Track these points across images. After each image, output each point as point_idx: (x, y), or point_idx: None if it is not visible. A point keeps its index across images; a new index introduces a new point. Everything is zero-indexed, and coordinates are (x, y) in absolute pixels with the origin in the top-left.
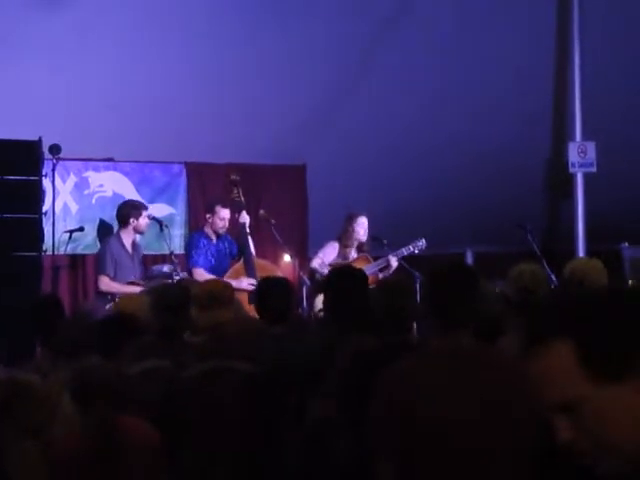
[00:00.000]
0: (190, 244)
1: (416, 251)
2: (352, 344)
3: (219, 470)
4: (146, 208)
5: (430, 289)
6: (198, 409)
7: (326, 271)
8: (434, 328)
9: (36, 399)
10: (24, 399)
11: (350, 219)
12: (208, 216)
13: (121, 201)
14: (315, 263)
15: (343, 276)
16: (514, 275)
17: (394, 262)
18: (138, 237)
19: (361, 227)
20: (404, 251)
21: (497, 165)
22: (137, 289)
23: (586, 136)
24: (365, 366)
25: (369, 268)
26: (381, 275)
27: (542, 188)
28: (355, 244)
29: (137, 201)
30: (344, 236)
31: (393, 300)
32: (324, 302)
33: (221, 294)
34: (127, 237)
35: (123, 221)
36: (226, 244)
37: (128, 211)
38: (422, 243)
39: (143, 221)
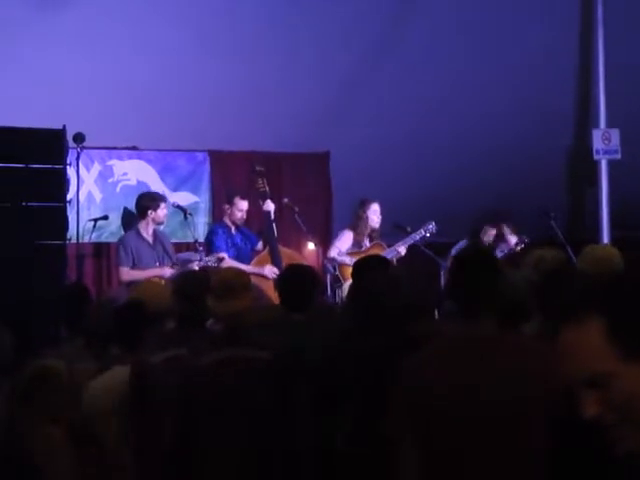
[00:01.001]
0: (211, 234)
1: (427, 234)
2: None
3: (233, 458)
4: (165, 200)
5: (452, 274)
6: (213, 397)
7: (347, 259)
8: (457, 313)
9: (62, 385)
10: (51, 385)
11: (363, 206)
12: (227, 207)
13: (140, 193)
14: (333, 253)
15: (367, 265)
16: (534, 260)
17: (402, 250)
18: (161, 226)
19: (374, 214)
20: (416, 236)
21: (520, 153)
22: (160, 272)
23: (610, 123)
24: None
25: (384, 255)
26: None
27: (566, 176)
28: (368, 231)
29: (155, 193)
30: (357, 223)
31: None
32: (349, 290)
33: (235, 283)
34: (146, 229)
35: (141, 213)
36: (244, 236)
37: (146, 203)
38: (432, 226)
39: (162, 212)
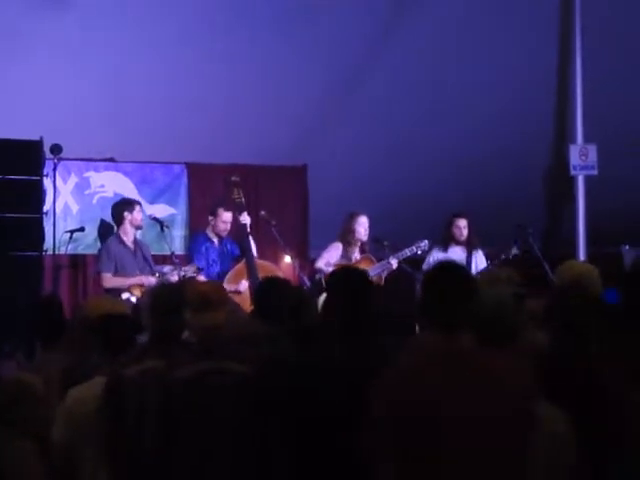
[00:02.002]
0: (192, 248)
1: (419, 252)
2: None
3: (211, 471)
4: (139, 203)
5: (424, 289)
6: (190, 409)
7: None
8: (430, 328)
9: (37, 400)
10: (27, 400)
11: (351, 218)
12: (210, 219)
13: (114, 202)
14: (320, 263)
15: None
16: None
17: (394, 263)
18: (138, 234)
19: (362, 226)
20: (407, 252)
21: (499, 168)
22: (143, 279)
23: (587, 139)
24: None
25: (373, 269)
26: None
27: (543, 191)
28: (357, 244)
29: (128, 198)
30: (345, 236)
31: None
32: (323, 302)
33: (213, 296)
34: (126, 234)
35: (118, 219)
36: (228, 246)
37: (121, 207)
38: (424, 244)
39: (138, 215)
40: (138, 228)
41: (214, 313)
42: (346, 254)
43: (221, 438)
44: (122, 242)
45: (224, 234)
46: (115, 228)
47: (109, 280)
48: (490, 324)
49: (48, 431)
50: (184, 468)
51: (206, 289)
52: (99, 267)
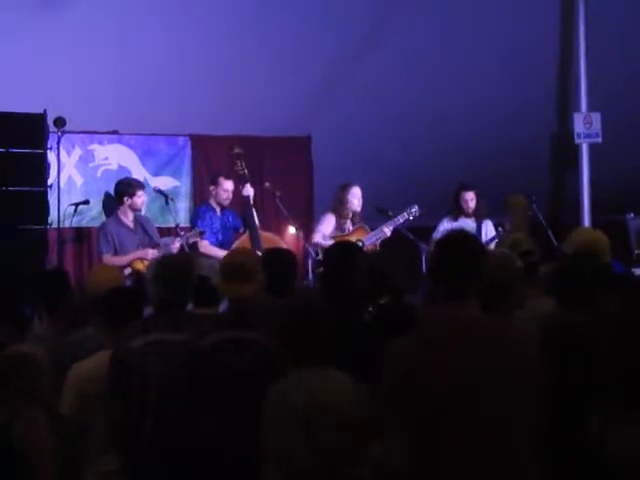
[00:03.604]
0: (196, 216)
1: (410, 217)
2: None
3: (233, 438)
4: (142, 187)
5: (435, 258)
6: (214, 378)
7: (329, 243)
8: (440, 296)
9: (40, 370)
10: (31, 371)
11: (343, 189)
12: (212, 188)
13: (118, 179)
14: (317, 237)
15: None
16: (510, 242)
17: (388, 231)
18: (144, 209)
19: (355, 197)
20: (400, 219)
21: (503, 137)
22: (142, 254)
23: (591, 107)
24: None
25: (368, 238)
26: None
27: (548, 159)
28: (350, 215)
29: (133, 179)
30: (338, 207)
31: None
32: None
33: (245, 267)
34: (125, 215)
35: (119, 199)
36: (230, 218)
37: (122, 189)
38: (415, 209)
39: (138, 199)
40: (137, 211)
41: (244, 283)
42: (339, 225)
43: (245, 401)
44: (120, 222)
45: (226, 203)
46: (117, 205)
47: (109, 260)
48: (496, 290)
49: (53, 401)
50: (211, 431)
51: (240, 259)
52: (99, 248)
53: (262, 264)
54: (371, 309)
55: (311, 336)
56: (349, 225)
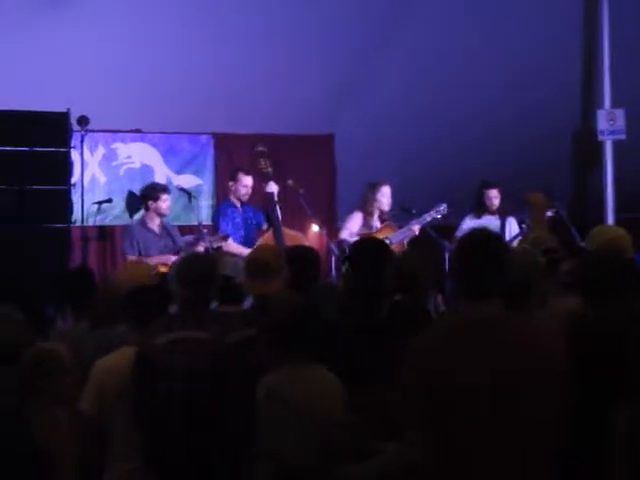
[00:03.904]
0: (218, 213)
1: (438, 216)
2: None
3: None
4: (167, 191)
5: (460, 257)
6: (239, 375)
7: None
8: (463, 295)
9: (64, 368)
10: (53, 368)
11: (373, 188)
12: (231, 184)
13: (144, 184)
14: (344, 234)
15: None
16: (532, 239)
17: (416, 229)
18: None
19: (384, 196)
20: (427, 217)
21: (526, 133)
22: (163, 259)
23: (615, 103)
24: None
25: (395, 237)
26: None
27: (571, 157)
28: (378, 213)
29: (157, 184)
30: (367, 205)
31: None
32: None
33: (270, 265)
34: (151, 219)
35: (144, 205)
36: (251, 214)
37: (146, 194)
38: (443, 208)
39: (163, 204)
40: (162, 216)
41: (269, 281)
42: (367, 223)
43: None
44: (146, 227)
45: (245, 198)
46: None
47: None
48: (517, 288)
49: (77, 399)
50: (236, 430)
51: (264, 257)
52: (123, 251)
53: (286, 261)
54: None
55: (304, 335)
56: (377, 223)
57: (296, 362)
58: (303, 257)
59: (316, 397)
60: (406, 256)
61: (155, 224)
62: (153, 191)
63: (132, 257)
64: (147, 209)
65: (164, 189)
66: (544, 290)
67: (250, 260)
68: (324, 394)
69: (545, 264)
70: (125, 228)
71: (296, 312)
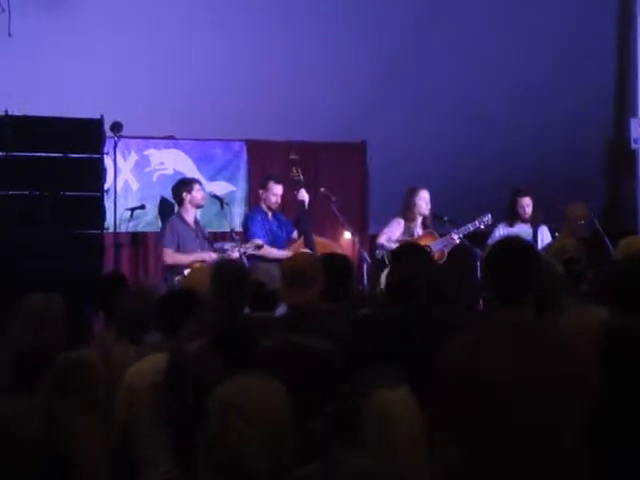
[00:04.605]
0: (247, 220)
1: (482, 226)
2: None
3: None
4: (198, 181)
5: (491, 265)
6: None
7: (393, 246)
8: (495, 302)
9: (96, 375)
10: (85, 375)
11: (411, 193)
12: (261, 192)
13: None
14: (382, 239)
15: (404, 252)
16: (556, 248)
17: (457, 238)
18: (199, 213)
19: (423, 200)
20: (470, 227)
21: (559, 142)
22: (204, 256)
23: None
24: None
25: (435, 244)
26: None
27: (605, 165)
28: (419, 219)
29: (186, 177)
30: (406, 211)
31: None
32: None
33: (305, 272)
34: (187, 214)
35: (178, 199)
36: (280, 222)
37: (179, 188)
38: (488, 218)
39: (197, 194)
40: (199, 207)
41: (304, 289)
42: (408, 230)
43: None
44: (184, 221)
45: (275, 207)
46: (176, 207)
47: (171, 256)
48: (539, 296)
49: (109, 404)
50: None
51: (300, 265)
52: (162, 242)
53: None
54: None
55: (248, 345)
56: (418, 230)
57: (245, 373)
58: (338, 266)
59: (267, 408)
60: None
61: (191, 218)
62: (185, 184)
63: (170, 250)
64: (181, 203)
65: (195, 180)
66: (562, 300)
67: (287, 267)
68: (274, 405)
69: (565, 274)
70: (164, 224)
71: (230, 327)
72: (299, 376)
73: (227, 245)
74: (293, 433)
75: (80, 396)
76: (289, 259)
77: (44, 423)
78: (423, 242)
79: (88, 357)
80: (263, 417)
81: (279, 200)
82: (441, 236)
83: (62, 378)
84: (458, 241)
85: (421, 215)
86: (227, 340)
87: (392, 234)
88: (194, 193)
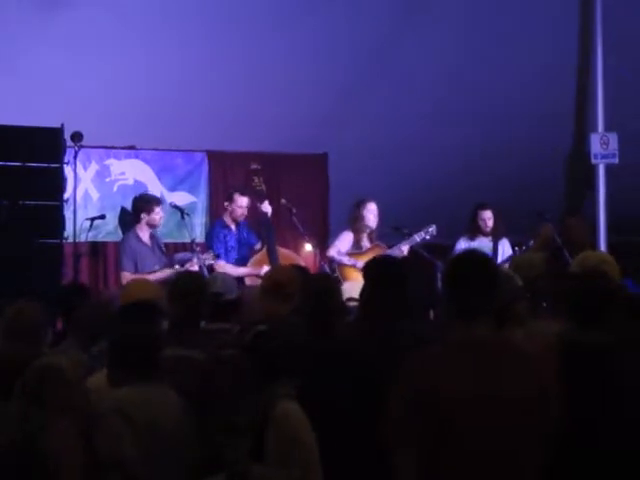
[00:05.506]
0: (211, 236)
1: (427, 237)
2: None
3: None
4: (159, 203)
5: (450, 277)
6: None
7: (345, 259)
8: (454, 315)
9: (67, 380)
10: (56, 381)
11: (359, 205)
12: (227, 204)
13: (136, 195)
14: (332, 252)
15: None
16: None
17: (405, 250)
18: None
19: (371, 213)
20: (416, 237)
21: (518, 156)
22: (163, 275)
23: (608, 127)
24: None
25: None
26: None
27: (564, 179)
28: (366, 231)
29: (150, 195)
30: (354, 224)
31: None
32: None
33: (285, 287)
34: (143, 231)
35: (136, 217)
36: (244, 233)
37: (140, 206)
38: (432, 229)
39: (156, 216)
40: (154, 227)
41: (281, 302)
42: (356, 242)
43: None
44: (139, 239)
45: (241, 219)
46: (134, 222)
47: (127, 278)
48: (499, 309)
49: (84, 409)
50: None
51: (282, 279)
52: (120, 265)
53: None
54: None
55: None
56: (366, 243)
57: (140, 381)
58: (324, 288)
59: (160, 415)
60: None
61: (146, 236)
62: (146, 203)
63: (127, 273)
64: (138, 221)
65: (157, 201)
66: (520, 313)
67: (268, 279)
68: (167, 412)
69: (528, 287)
70: (120, 244)
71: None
72: (200, 386)
73: (184, 255)
74: (195, 444)
75: (54, 402)
76: (271, 271)
77: (19, 432)
78: (371, 255)
79: (59, 362)
80: (152, 427)
81: (245, 212)
82: (389, 248)
83: (34, 386)
84: (406, 252)
85: (368, 228)
86: (125, 351)
87: (342, 247)
88: (153, 215)
